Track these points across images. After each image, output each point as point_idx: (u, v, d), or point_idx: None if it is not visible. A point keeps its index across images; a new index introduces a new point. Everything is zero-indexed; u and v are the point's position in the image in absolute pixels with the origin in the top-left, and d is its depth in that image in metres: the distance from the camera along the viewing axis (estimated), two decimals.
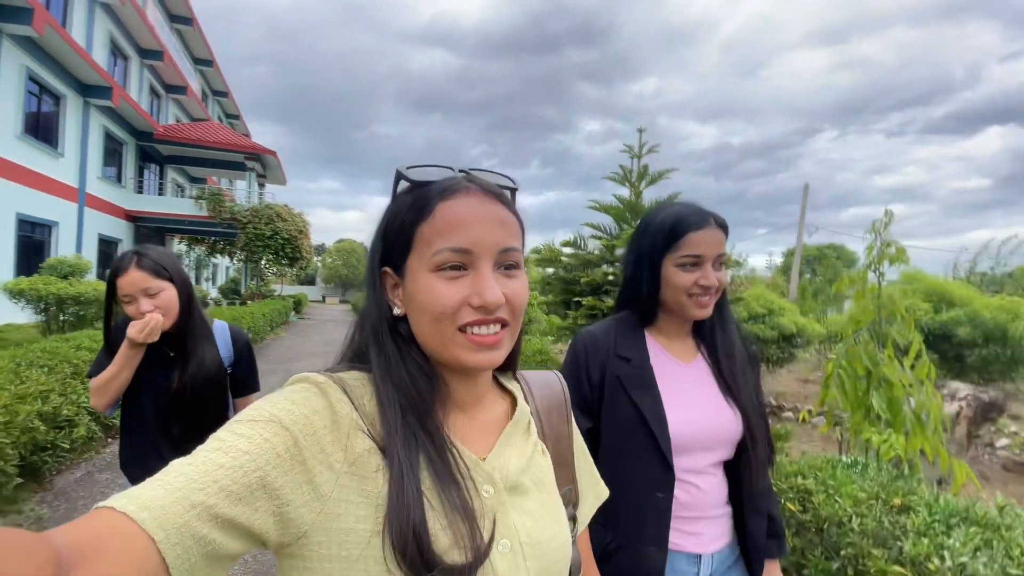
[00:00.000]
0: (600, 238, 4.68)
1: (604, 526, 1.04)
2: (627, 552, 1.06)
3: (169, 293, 1.55)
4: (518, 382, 0.73)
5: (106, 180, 15.81)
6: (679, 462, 1.07)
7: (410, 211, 0.58)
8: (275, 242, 17.45)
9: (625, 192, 4.56)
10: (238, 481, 0.44)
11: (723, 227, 1.12)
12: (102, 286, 8.67)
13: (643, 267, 1.14)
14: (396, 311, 0.61)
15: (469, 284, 0.56)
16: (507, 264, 0.58)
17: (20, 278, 8.47)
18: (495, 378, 0.70)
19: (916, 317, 6.26)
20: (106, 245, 15.82)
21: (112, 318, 1.62)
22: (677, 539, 1.08)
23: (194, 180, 24.39)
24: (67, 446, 3.68)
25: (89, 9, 14.75)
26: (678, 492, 1.07)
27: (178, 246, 22.00)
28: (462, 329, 0.56)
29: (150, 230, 18.78)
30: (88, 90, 13.97)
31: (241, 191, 20.97)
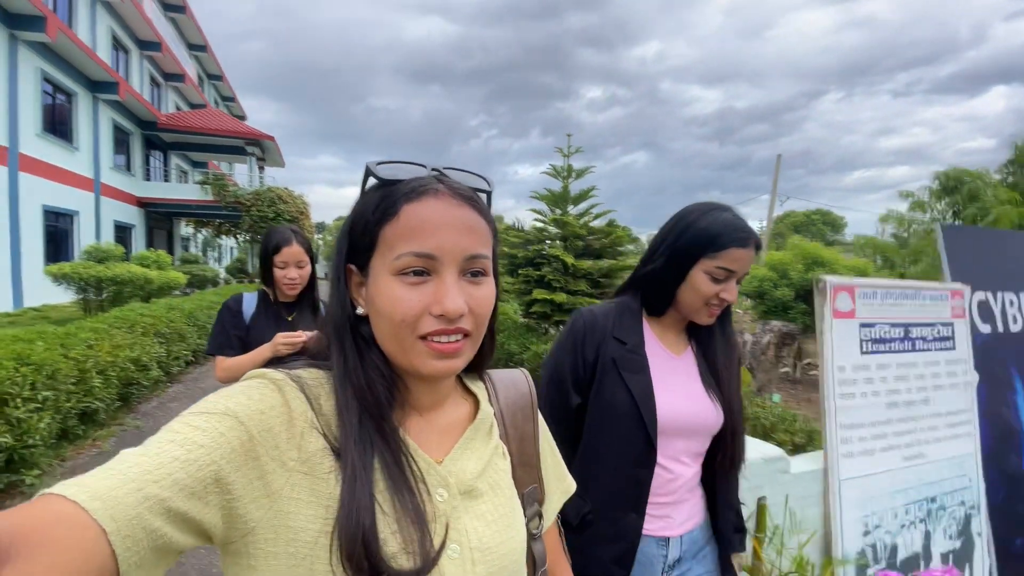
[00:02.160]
0: (539, 221, 6.06)
1: (582, 497, 1.04)
2: (605, 520, 1.11)
3: (309, 269, 1.95)
4: (484, 382, 0.72)
5: (117, 170, 16.99)
6: (661, 447, 1.11)
7: (376, 211, 0.56)
8: (277, 223, 18.69)
9: (557, 185, 5.91)
10: (192, 475, 0.43)
11: (758, 248, 1.12)
12: (136, 268, 10.02)
13: (674, 263, 1.13)
14: (359, 310, 0.59)
15: (431, 291, 0.54)
16: (473, 271, 0.56)
17: (63, 263, 9.77)
18: (459, 379, 0.69)
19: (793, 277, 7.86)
20: (121, 231, 17.12)
21: (271, 281, 1.95)
22: (647, 523, 1.11)
23: (196, 164, 25.51)
24: (146, 384, 5.12)
25: (91, 8, 15.68)
26: (655, 478, 1.12)
27: (186, 229, 23.29)
28: (423, 337, 0.54)
29: (160, 215, 20.04)
30: (97, 86, 15.03)
31: (241, 174, 22.05)
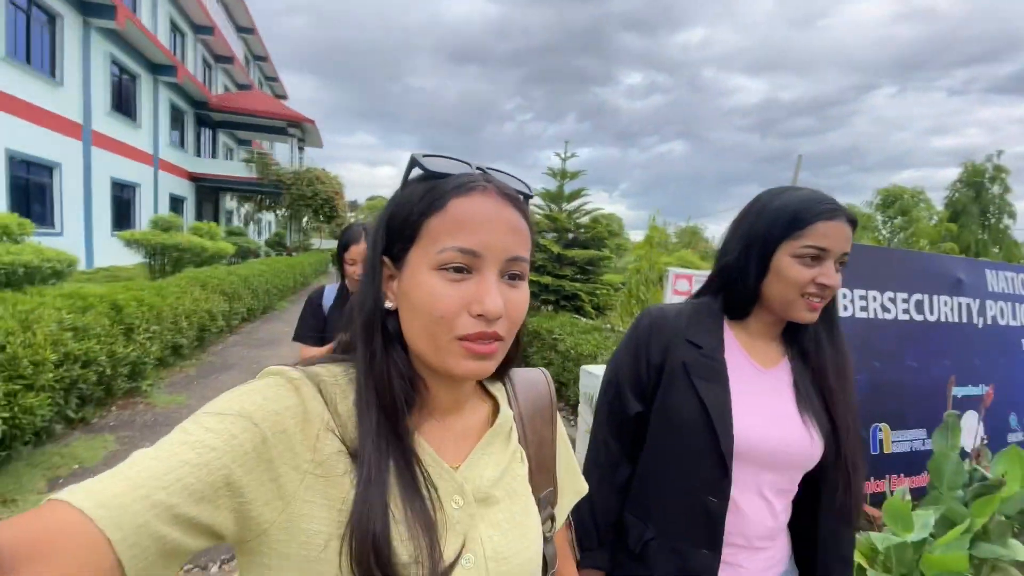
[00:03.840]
0: (536, 213, 7.15)
1: (641, 519, 0.96)
2: (671, 551, 0.94)
3: None
4: (504, 384, 0.70)
5: (173, 146, 18.50)
6: (735, 473, 0.93)
7: (421, 202, 0.55)
8: (315, 202, 20.08)
9: (552, 184, 6.98)
10: (202, 480, 0.42)
11: (853, 223, 0.94)
12: (194, 237, 11.44)
13: (752, 252, 0.97)
14: (388, 305, 0.57)
15: (471, 289, 0.53)
16: (512, 273, 0.56)
17: (133, 231, 11.20)
18: (479, 381, 0.67)
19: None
20: (175, 203, 18.69)
21: (343, 274, 2.09)
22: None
23: (241, 143, 27.15)
24: (215, 331, 6.45)
25: None
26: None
27: (230, 203, 24.99)
28: (460, 338, 0.53)
29: (208, 189, 21.64)
30: (157, 69, 16.45)
31: (281, 153, 23.54)
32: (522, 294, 0.57)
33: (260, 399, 0.50)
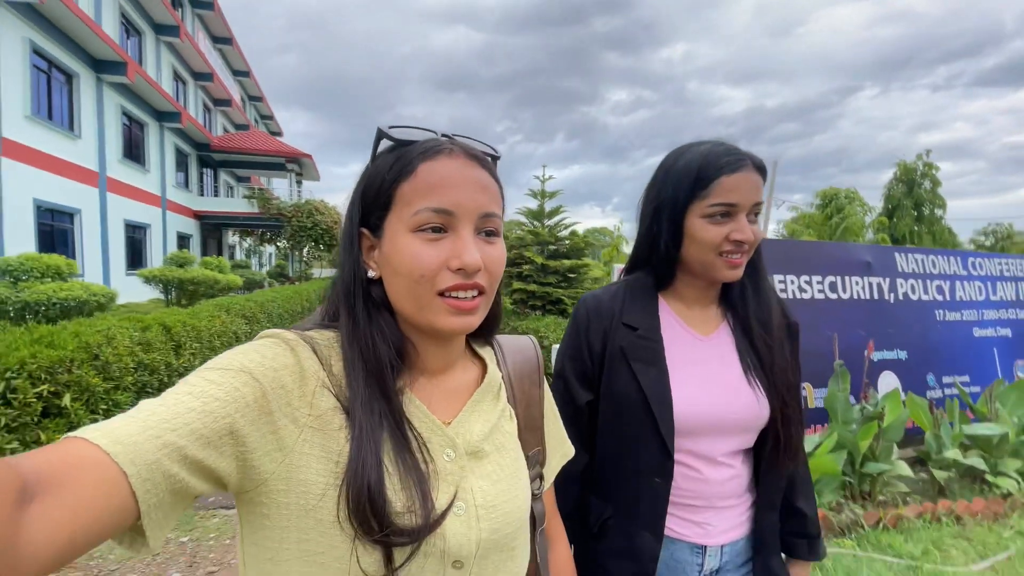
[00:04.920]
0: (520, 229, 8.07)
1: (601, 499, 0.99)
2: (621, 532, 0.96)
3: None
4: (492, 347, 0.73)
5: (178, 187, 19.55)
6: (684, 445, 0.94)
7: (391, 170, 0.57)
8: (315, 232, 21.03)
9: (534, 204, 7.92)
10: (208, 425, 0.45)
11: (761, 170, 0.93)
12: (207, 271, 12.28)
13: (661, 218, 0.96)
14: (371, 274, 0.60)
15: (448, 246, 0.55)
16: (487, 230, 0.58)
17: (152, 267, 12.09)
18: (468, 344, 0.70)
19: None
20: (182, 240, 19.63)
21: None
22: (679, 527, 0.96)
23: (240, 179, 28.29)
24: None
25: (156, 47, 18.24)
26: (681, 479, 0.94)
27: (232, 237, 25.92)
28: (441, 294, 0.55)
29: (211, 225, 22.60)
30: (163, 116, 17.54)
31: (279, 188, 24.49)
32: (498, 249, 0.59)
33: (259, 357, 0.51)
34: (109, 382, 3.77)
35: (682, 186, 0.93)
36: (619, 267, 3.75)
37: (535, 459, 0.71)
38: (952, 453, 3.63)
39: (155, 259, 16.54)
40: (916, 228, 24.29)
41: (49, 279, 6.37)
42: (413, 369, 0.61)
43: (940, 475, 3.62)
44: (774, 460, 0.97)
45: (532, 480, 0.69)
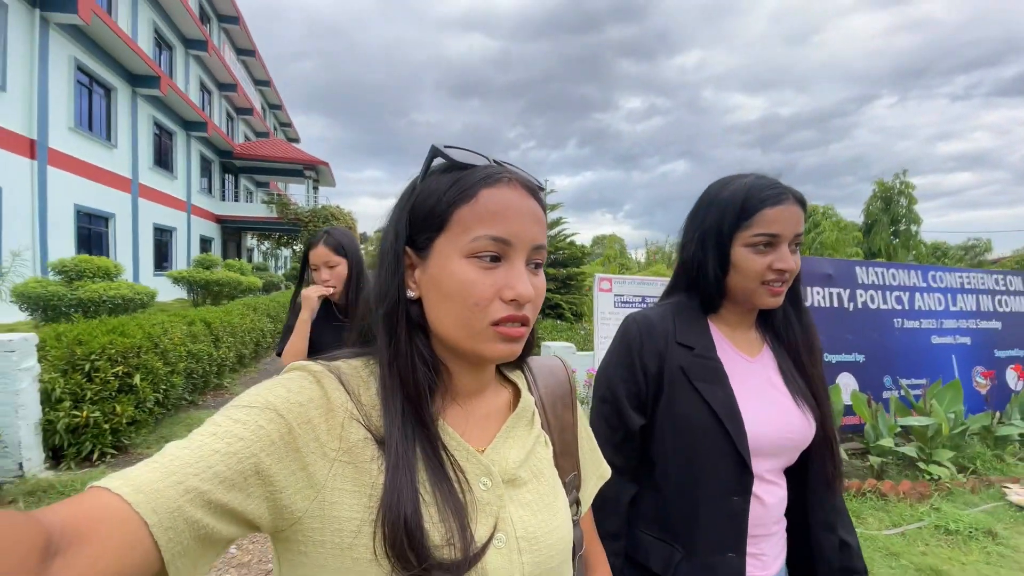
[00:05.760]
0: None
1: (667, 542, 0.95)
2: (697, 565, 0.92)
3: (342, 268, 1.96)
4: (523, 371, 0.72)
5: (202, 192, 20.50)
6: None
7: (449, 191, 0.56)
8: None
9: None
10: (232, 467, 0.44)
11: (802, 203, 0.97)
12: (231, 273, 13.06)
13: (708, 247, 0.99)
14: (411, 294, 0.58)
15: (503, 276, 0.55)
16: (536, 262, 0.58)
17: (180, 269, 12.87)
18: (497, 368, 0.69)
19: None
20: (204, 243, 20.58)
21: (303, 284, 2.05)
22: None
23: (259, 185, 29.30)
24: (264, 345, 7.97)
25: (186, 60, 19.25)
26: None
27: (251, 241, 26.87)
28: (494, 323, 0.55)
29: (232, 229, 23.55)
30: (190, 125, 18.49)
31: (297, 193, 25.38)
32: (542, 281, 0.59)
33: (284, 392, 0.51)
34: (167, 367, 4.46)
35: (727, 216, 0.96)
36: (600, 276, 4.35)
37: (572, 484, 0.70)
38: (886, 441, 4.19)
39: (179, 261, 17.44)
40: (893, 243, 25.98)
41: (100, 279, 7.11)
42: (446, 394, 0.60)
43: (875, 460, 4.18)
44: (825, 479, 0.98)
45: (570, 505, 0.68)
